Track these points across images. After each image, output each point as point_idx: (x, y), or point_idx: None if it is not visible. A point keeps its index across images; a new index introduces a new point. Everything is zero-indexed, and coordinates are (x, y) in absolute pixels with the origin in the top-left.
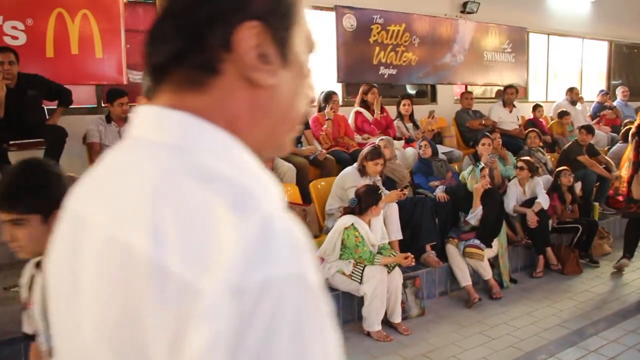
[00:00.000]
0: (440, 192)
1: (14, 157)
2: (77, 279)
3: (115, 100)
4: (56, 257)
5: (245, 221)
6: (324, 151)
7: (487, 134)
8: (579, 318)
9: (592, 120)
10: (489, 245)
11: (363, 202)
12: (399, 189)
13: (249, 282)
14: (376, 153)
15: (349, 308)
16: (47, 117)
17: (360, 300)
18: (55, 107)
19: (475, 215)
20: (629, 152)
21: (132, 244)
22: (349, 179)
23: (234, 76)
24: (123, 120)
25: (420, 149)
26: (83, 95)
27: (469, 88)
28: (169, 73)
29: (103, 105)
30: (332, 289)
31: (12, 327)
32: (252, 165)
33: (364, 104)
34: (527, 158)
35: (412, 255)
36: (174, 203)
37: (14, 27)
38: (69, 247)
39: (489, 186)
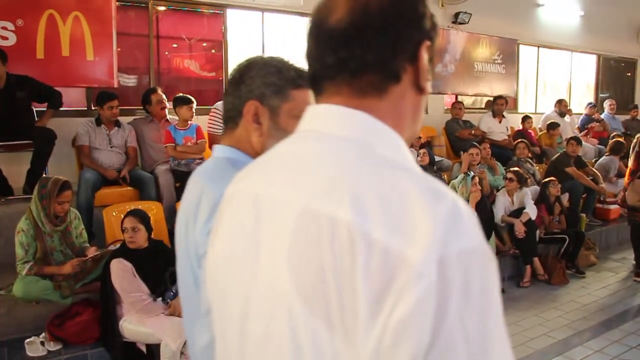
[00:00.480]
0: None
1: (2, 158)
2: (258, 248)
3: (105, 104)
4: (227, 232)
5: (439, 204)
6: None
7: (476, 143)
8: (565, 328)
9: (580, 132)
10: None
11: None
12: None
13: (449, 253)
14: None
15: None
16: (37, 119)
17: None
18: (45, 109)
19: None
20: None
21: (335, 215)
22: None
23: (406, 84)
24: (112, 123)
25: (418, 156)
26: (73, 97)
27: (459, 98)
28: (342, 79)
29: (93, 108)
30: None
31: None
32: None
33: None
34: (517, 169)
35: None
36: (374, 183)
37: (4, 28)
38: (245, 223)
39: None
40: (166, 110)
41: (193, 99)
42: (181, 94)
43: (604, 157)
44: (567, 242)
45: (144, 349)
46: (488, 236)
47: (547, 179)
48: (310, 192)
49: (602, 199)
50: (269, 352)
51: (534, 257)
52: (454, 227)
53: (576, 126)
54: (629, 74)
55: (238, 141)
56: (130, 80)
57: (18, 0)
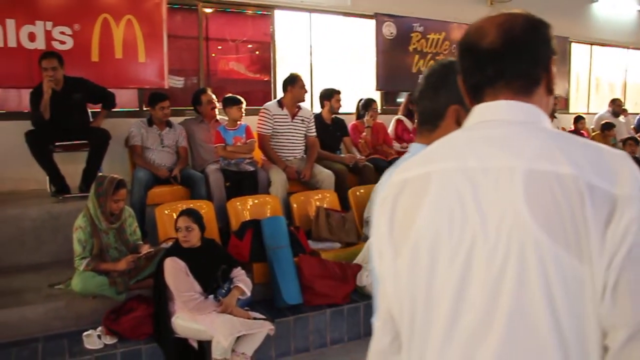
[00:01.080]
0: None
1: (59, 158)
2: (480, 207)
3: (157, 104)
4: (439, 202)
5: (623, 158)
6: (363, 158)
7: None
8: None
9: (636, 133)
10: None
11: None
12: None
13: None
14: None
15: None
16: (91, 119)
17: None
18: (99, 109)
19: None
20: None
21: (559, 171)
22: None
23: (543, 88)
24: (164, 123)
25: None
26: (125, 98)
27: None
28: (500, 86)
29: (144, 108)
30: (369, 297)
31: (56, 323)
32: None
33: (409, 112)
34: None
35: None
36: (575, 147)
37: (62, 32)
38: (462, 191)
39: None
40: (216, 111)
41: (242, 100)
42: (230, 95)
43: None
44: None
45: (195, 345)
46: None
47: None
48: (529, 158)
49: None
50: (521, 292)
51: None
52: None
53: (632, 126)
54: None
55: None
56: (179, 82)
57: (75, 6)
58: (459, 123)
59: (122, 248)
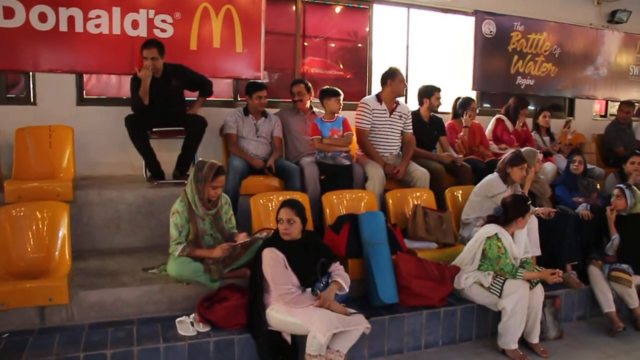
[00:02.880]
0: (583, 210)
1: (155, 144)
2: None
3: (254, 93)
4: None
5: None
6: (461, 156)
7: (638, 151)
8: None
9: None
10: (639, 273)
11: (510, 212)
12: (551, 210)
13: None
14: (519, 158)
15: (482, 322)
16: (188, 107)
17: (495, 315)
18: (196, 97)
19: (611, 245)
20: None
21: None
22: (494, 186)
23: None
24: (259, 113)
25: (573, 163)
26: (220, 88)
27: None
28: None
29: (239, 99)
30: (466, 301)
31: (149, 307)
32: None
33: (511, 113)
34: None
35: (560, 272)
36: None
37: (164, 21)
38: None
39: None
40: (307, 104)
41: (340, 91)
42: (328, 87)
43: None
44: None
45: (289, 339)
46: None
47: None
48: None
49: None
50: None
51: None
52: None
53: None
54: None
55: None
56: (274, 76)
57: None
58: None
59: (217, 235)
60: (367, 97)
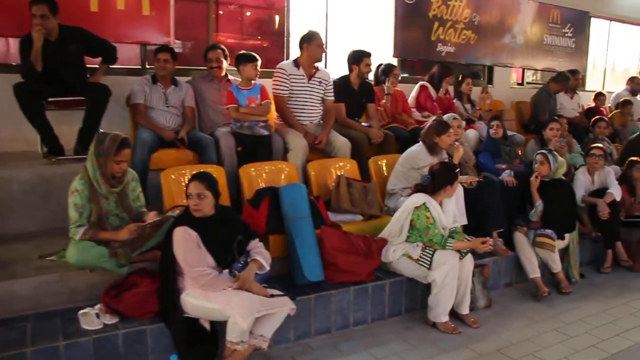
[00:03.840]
0: (507, 176)
1: (52, 116)
2: None
3: (156, 55)
4: None
5: None
6: (380, 134)
7: (557, 117)
8: None
9: None
10: (562, 237)
11: (437, 180)
12: (474, 179)
13: None
14: (444, 125)
15: (411, 295)
16: (89, 75)
17: (425, 288)
18: (98, 65)
19: (534, 211)
20: None
21: None
22: (421, 158)
23: None
24: (169, 80)
25: (492, 128)
26: (125, 55)
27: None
28: None
29: (148, 66)
30: (395, 274)
31: (47, 300)
32: None
33: (431, 81)
34: (601, 145)
35: (491, 240)
36: None
37: None
38: None
39: (560, 177)
40: (223, 72)
41: (257, 57)
42: (245, 52)
43: None
44: None
45: (207, 325)
46: (571, 225)
47: (632, 159)
48: None
49: None
50: None
51: (617, 242)
52: None
53: None
54: None
55: None
56: (188, 45)
57: None
58: None
59: (123, 215)
60: (284, 62)
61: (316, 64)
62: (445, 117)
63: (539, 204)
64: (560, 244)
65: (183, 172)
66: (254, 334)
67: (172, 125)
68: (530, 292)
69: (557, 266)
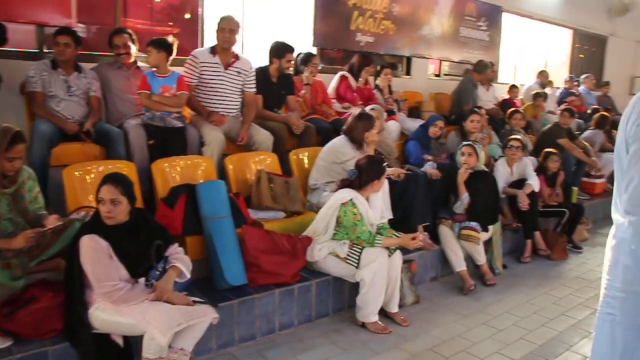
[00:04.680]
0: (431, 169)
1: None
2: None
3: (55, 37)
4: None
5: None
6: (301, 123)
7: (477, 109)
8: (580, 307)
9: (559, 105)
10: (486, 229)
11: (365, 175)
12: (401, 171)
13: None
14: (371, 118)
15: (338, 295)
16: None
17: (352, 287)
18: None
19: (460, 203)
20: None
21: None
22: (343, 152)
23: None
24: (71, 66)
25: (435, 127)
26: (20, 37)
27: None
28: None
29: (46, 50)
30: (321, 274)
31: None
32: None
33: (351, 71)
34: (519, 137)
35: (421, 236)
36: None
37: None
38: None
39: (483, 168)
40: (133, 56)
41: (171, 41)
42: (158, 37)
43: (588, 130)
44: (567, 215)
45: (120, 341)
46: (495, 216)
47: (547, 150)
48: None
49: (592, 172)
50: None
51: (536, 232)
52: None
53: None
54: (599, 51)
55: None
56: (93, 29)
57: None
58: None
59: (18, 220)
60: (199, 49)
61: (236, 52)
62: (366, 108)
63: (465, 196)
64: (484, 236)
65: (88, 168)
66: (174, 348)
67: (76, 116)
68: (456, 285)
69: (481, 258)
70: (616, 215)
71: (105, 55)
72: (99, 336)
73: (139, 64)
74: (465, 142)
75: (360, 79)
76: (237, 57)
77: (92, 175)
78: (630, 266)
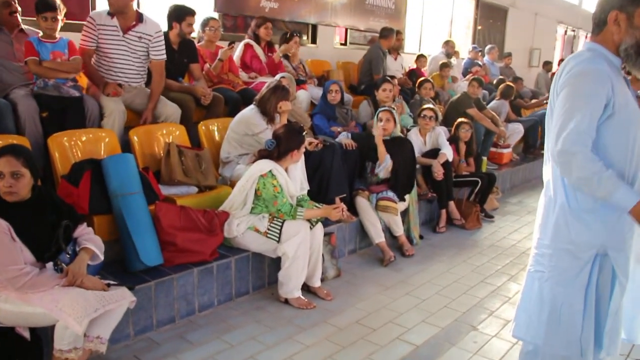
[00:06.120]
0: (346, 139)
1: None
2: None
3: None
4: None
5: None
6: (209, 92)
7: (389, 78)
8: (498, 273)
9: (464, 76)
10: (403, 199)
11: (283, 145)
12: (318, 141)
13: None
14: (285, 90)
15: (258, 272)
16: None
17: (272, 262)
18: None
19: (384, 167)
20: None
21: None
22: (255, 123)
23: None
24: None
25: (330, 93)
26: None
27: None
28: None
29: None
30: (239, 250)
31: None
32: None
33: (256, 38)
34: (432, 107)
35: (343, 206)
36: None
37: None
38: None
39: (400, 134)
40: (19, 17)
41: (60, 5)
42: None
43: (494, 101)
44: (479, 185)
45: (27, 334)
46: (411, 183)
47: (460, 121)
48: None
49: (500, 142)
50: None
51: (450, 201)
52: None
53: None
54: (500, 23)
55: (604, 40)
56: None
57: None
58: (618, 25)
59: None
60: (98, 10)
61: (141, 14)
62: (277, 76)
63: (387, 158)
64: (401, 207)
65: None
66: (89, 336)
67: None
68: (375, 257)
69: (399, 229)
70: (547, 175)
71: None
72: (1, 330)
73: (23, 27)
74: (382, 108)
75: (261, 44)
76: (139, 20)
77: None
78: (558, 223)
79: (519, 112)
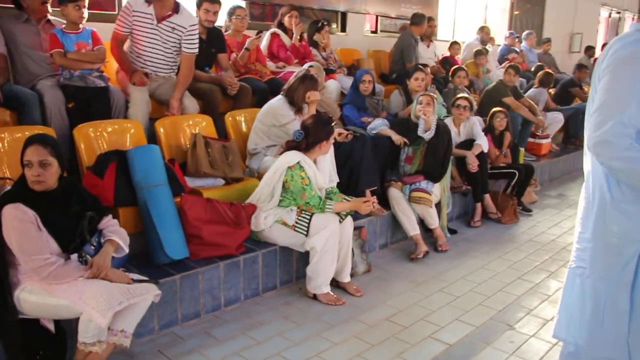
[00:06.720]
0: (395, 135)
1: None
2: None
3: None
4: None
5: None
6: (237, 82)
7: (421, 67)
8: (537, 270)
9: (500, 63)
10: (437, 181)
11: (312, 136)
12: (348, 132)
13: None
14: (314, 79)
15: (286, 266)
16: None
17: (301, 256)
18: None
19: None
20: None
21: None
22: (282, 114)
23: None
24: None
25: (363, 84)
26: None
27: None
28: None
29: None
30: (267, 244)
31: None
32: None
33: (282, 27)
34: (467, 96)
35: (374, 199)
36: None
37: None
38: None
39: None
40: (48, 7)
41: None
42: None
43: (532, 89)
44: (516, 177)
45: (51, 326)
46: (445, 168)
47: (495, 110)
48: None
49: (539, 132)
50: None
51: (486, 194)
52: None
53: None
54: (539, 7)
55: None
56: None
57: None
58: None
59: None
60: None
61: (178, 4)
62: (305, 65)
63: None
64: (435, 198)
65: (1, 136)
66: (113, 330)
67: None
68: (407, 252)
69: (434, 222)
70: (587, 165)
71: (7, 8)
72: (27, 322)
73: (50, 18)
74: (424, 93)
75: (294, 35)
76: (175, 11)
77: (6, 143)
78: (600, 215)
79: (571, 101)
